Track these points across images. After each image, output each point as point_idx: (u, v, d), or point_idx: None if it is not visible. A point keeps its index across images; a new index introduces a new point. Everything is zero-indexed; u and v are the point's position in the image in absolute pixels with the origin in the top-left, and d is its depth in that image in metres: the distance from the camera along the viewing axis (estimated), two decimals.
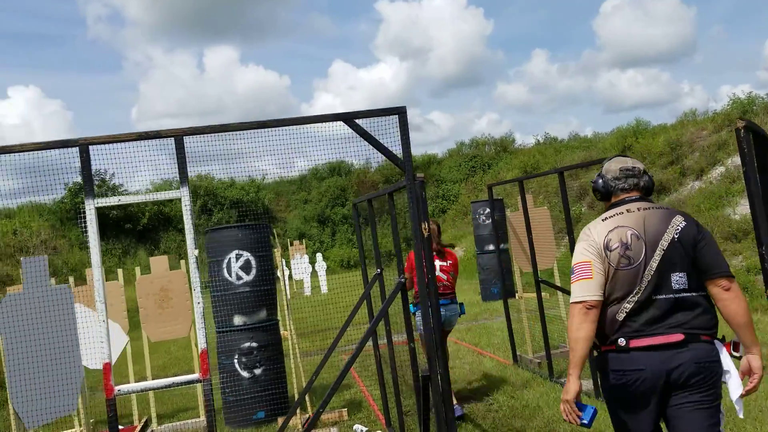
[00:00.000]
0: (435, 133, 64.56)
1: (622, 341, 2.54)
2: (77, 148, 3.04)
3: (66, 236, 23.25)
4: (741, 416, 2.68)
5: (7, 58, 65.78)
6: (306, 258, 18.72)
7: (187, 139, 3.08)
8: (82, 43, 68.16)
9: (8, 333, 4.43)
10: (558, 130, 71.60)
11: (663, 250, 2.54)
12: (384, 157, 3.52)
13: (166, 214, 27.30)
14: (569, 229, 6.14)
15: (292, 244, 19.22)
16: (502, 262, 7.94)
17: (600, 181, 2.83)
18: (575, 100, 70.68)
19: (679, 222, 2.58)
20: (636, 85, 71.32)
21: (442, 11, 72.11)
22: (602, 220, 2.69)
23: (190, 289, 6.38)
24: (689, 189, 13.32)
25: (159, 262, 6.04)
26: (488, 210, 12.52)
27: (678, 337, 2.48)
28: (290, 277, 18.74)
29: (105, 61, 69.82)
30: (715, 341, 2.56)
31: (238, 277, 5.93)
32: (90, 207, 3.47)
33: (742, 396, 2.58)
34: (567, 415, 2.58)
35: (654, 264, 2.53)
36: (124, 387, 3.26)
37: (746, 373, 2.61)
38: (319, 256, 19.76)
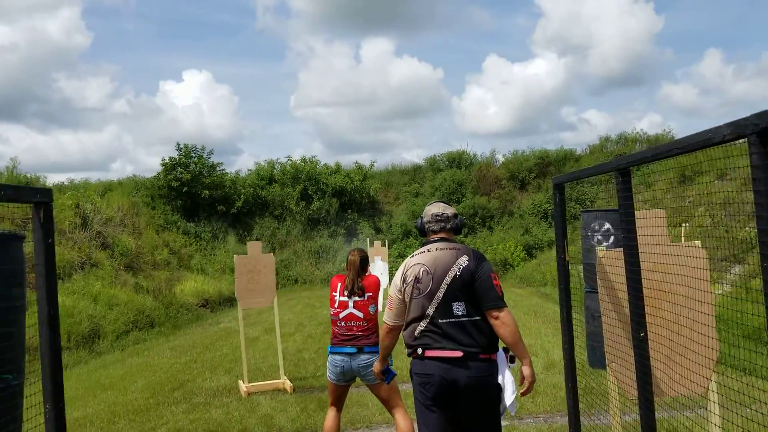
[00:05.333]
0: (591, 133, 58.58)
1: (419, 350, 3.26)
2: None
3: (149, 214, 21.82)
4: (513, 413, 3.46)
5: (184, 44, 69.24)
6: (385, 265, 14.58)
7: None
8: (251, 32, 70.33)
9: None
10: None
11: (447, 284, 3.23)
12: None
13: (264, 198, 25.25)
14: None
15: (372, 245, 15.93)
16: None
17: (419, 222, 3.59)
18: (752, 105, 60.89)
19: (463, 261, 3.26)
20: None
21: (608, 6, 65.03)
22: (411, 256, 3.44)
23: None
24: None
25: None
26: (607, 226, 8.36)
27: (457, 353, 3.16)
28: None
29: (270, 50, 71.79)
30: (500, 352, 3.26)
31: None
32: None
33: (520, 396, 3.31)
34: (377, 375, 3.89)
35: (440, 294, 3.23)
36: None
37: (523, 380, 3.28)
38: (378, 260, 13.88)
